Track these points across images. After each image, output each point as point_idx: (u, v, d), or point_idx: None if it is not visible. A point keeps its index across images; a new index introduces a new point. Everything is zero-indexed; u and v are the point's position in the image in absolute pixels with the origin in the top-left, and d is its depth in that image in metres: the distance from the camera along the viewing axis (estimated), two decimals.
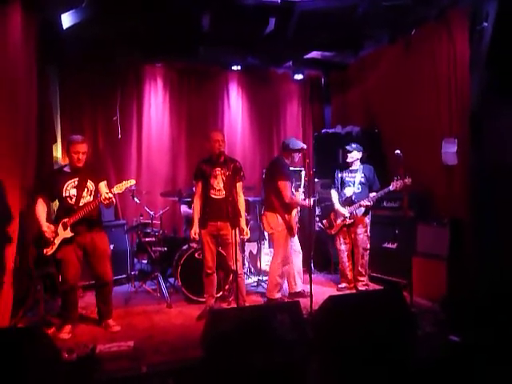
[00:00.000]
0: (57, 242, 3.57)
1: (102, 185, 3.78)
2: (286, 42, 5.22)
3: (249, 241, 5.49)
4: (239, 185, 4.06)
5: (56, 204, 3.87)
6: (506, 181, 3.87)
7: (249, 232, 4.10)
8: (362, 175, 4.79)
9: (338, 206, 4.81)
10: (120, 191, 3.62)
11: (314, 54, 5.99)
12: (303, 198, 4.49)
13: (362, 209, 4.72)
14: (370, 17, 4.67)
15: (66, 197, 3.63)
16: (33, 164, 4.21)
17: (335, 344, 2.96)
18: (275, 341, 2.74)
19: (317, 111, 7.00)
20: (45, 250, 3.57)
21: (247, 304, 4.04)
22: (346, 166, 4.91)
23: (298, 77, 6.42)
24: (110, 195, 3.52)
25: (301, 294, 4.55)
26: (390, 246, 4.96)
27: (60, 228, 3.58)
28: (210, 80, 6.39)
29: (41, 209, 3.63)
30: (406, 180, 4.27)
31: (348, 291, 4.81)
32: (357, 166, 4.85)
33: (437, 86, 4.77)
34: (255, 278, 5.28)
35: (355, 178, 4.79)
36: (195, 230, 4.01)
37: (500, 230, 3.90)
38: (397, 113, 5.45)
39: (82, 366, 2.83)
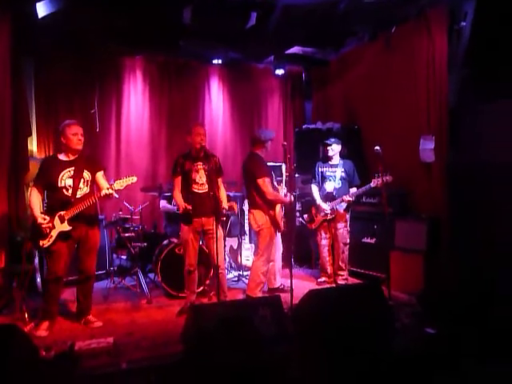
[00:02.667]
0: (54, 234, 3.47)
1: (100, 175, 3.70)
2: (268, 36, 5.21)
3: (229, 236, 5.50)
4: (220, 180, 4.06)
5: None
6: (482, 177, 3.97)
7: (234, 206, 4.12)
8: (343, 170, 4.82)
9: (319, 201, 4.84)
10: (121, 188, 3.53)
11: (296, 50, 5.99)
12: (285, 193, 4.48)
13: (344, 204, 4.76)
14: (351, 13, 4.70)
15: (61, 187, 3.51)
16: (7, 157, 4.10)
17: (316, 337, 3.00)
18: (256, 335, 2.75)
19: (298, 107, 7.03)
20: (41, 242, 3.47)
21: (228, 299, 4.04)
22: (326, 160, 4.93)
23: (280, 72, 6.42)
24: (111, 191, 3.46)
25: (280, 290, 4.56)
26: (369, 240, 5.03)
27: (56, 220, 3.48)
28: (191, 74, 6.33)
29: (35, 199, 3.52)
30: (388, 177, 4.31)
31: (328, 285, 4.86)
32: (337, 160, 4.89)
33: (415, 84, 4.85)
34: (236, 273, 5.29)
35: (336, 172, 4.82)
36: (185, 205, 3.87)
37: (476, 226, 4.01)
38: (376, 109, 5.51)
39: (61, 363, 2.78)
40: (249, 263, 5.54)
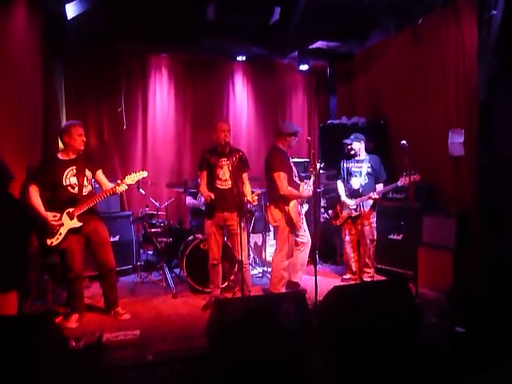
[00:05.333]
0: (63, 231, 3.54)
1: (100, 173, 3.79)
2: (291, 31, 5.18)
3: (254, 232, 5.51)
4: (245, 175, 4.05)
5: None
6: None
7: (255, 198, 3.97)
8: (369, 165, 4.72)
9: (344, 197, 4.77)
10: (132, 182, 3.63)
11: (320, 44, 5.94)
12: (308, 189, 4.40)
13: (370, 202, 4.67)
14: (376, 5, 4.62)
15: (66, 185, 3.58)
16: (39, 156, 4.23)
17: (339, 333, 2.98)
18: (280, 330, 2.76)
19: (322, 102, 6.95)
20: (49, 241, 3.51)
21: (252, 294, 4.06)
22: (350, 157, 4.85)
23: (304, 67, 6.35)
24: (124, 186, 3.55)
25: (297, 285, 4.40)
26: (395, 237, 4.94)
27: (65, 217, 3.55)
28: (215, 70, 6.36)
29: (36, 197, 3.50)
30: (415, 176, 4.20)
31: (353, 282, 4.80)
32: (363, 156, 4.79)
33: (444, 76, 4.72)
34: (260, 270, 5.30)
35: (362, 168, 4.72)
36: (209, 194, 3.91)
37: (506, 222, 3.87)
38: (403, 103, 5.40)
39: (89, 354, 2.86)
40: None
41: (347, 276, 4.95)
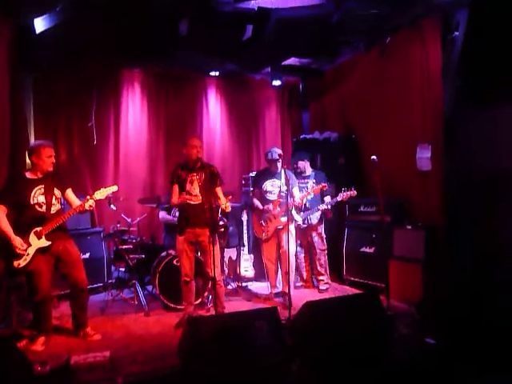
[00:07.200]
0: (30, 252, 3.43)
1: (70, 192, 3.71)
2: (264, 48, 5.25)
3: (228, 246, 5.48)
4: (219, 189, 4.03)
5: None
6: (478, 186, 3.97)
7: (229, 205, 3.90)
8: (314, 181, 4.97)
9: (292, 212, 4.82)
10: (102, 197, 3.56)
11: (292, 61, 6.04)
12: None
13: (317, 214, 4.97)
14: (345, 24, 4.74)
15: (34, 204, 3.48)
16: (5, 172, 4.11)
17: (313, 349, 2.98)
18: (252, 348, 2.73)
19: (295, 117, 7.05)
20: (16, 263, 3.38)
21: (226, 311, 4.02)
22: (298, 173, 5.10)
23: (276, 83, 6.45)
24: (92, 202, 3.48)
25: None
26: (367, 250, 5.02)
27: (32, 237, 3.45)
28: (188, 85, 6.38)
29: (3, 219, 3.39)
30: (352, 192, 4.62)
31: (306, 289, 5.17)
32: (308, 172, 5.10)
33: (410, 92, 4.88)
34: (234, 285, 5.26)
35: (308, 183, 4.96)
36: (183, 196, 3.90)
37: (473, 234, 3.99)
38: (373, 119, 5.54)
39: (56, 378, 2.76)
40: (248, 274, 5.52)
41: (299, 283, 5.27)
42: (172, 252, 4.56)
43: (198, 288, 4.26)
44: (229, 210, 3.90)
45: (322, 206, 4.86)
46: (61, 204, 3.69)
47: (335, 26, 4.72)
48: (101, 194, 3.55)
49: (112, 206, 4.72)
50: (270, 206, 4.64)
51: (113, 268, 5.30)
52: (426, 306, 3.93)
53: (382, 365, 3.03)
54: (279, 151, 4.58)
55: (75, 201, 3.68)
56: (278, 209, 4.60)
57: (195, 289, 4.14)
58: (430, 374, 2.91)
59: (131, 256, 4.71)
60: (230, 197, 4.14)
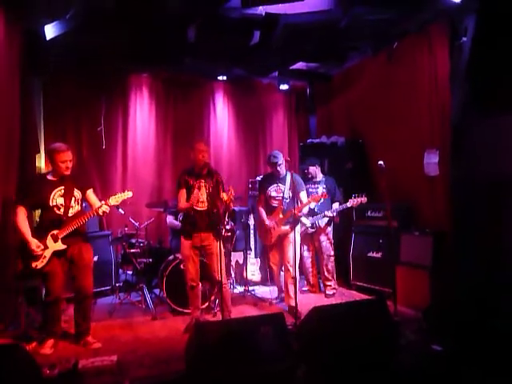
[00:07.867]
0: (47, 255, 3.44)
1: (90, 193, 3.71)
2: (272, 52, 5.28)
3: (235, 250, 5.50)
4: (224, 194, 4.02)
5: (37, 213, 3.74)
6: (485, 191, 3.95)
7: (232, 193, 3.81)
8: (324, 186, 5.01)
9: (303, 218, 4.84)
10: (116, 203, 3.57)
11: (299, 65, 6.06)
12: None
13: (325, 219, 4.97)
14: (353, 29, 4.74)
15: (53, 206, 3.50)
16: (15, 175, 4.17)
17: (319, 354, 2.98)
18: (258, 353, 2.74)
19: (302, 121, 7.06)
20: (33, 264, 3.42)
21: (233, 315, 4.03)
22: (309, 179, 5.12)
23: (284, 87, 6.48)
24: (107, 207, 3.48)
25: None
26: (374, 255, 5.01)
27: (49, 240, 3.46)
28: (196, 90, 6.42)
29: (23, 220, 3.45)
30: (363, 198, 4.62)
31: (312, 294, 5.16)
32: (319, 177, 5.12)
33: (418, 98, 4.87)
34: (241, 289, 5.27)
35: (318, 189, 4.99)
36: (191, 201, 3.89)
37: (480, 240, 3.97)
38: (380, 123, 5.53)
39: (64, 382, 2.79)
40: (254, 278, 5.54)
41: (306, 288, 5.29)
42: (179, 256, 4.58)
43: (204, 292, 4.28)
44: (232, 198, 3.77)
45: (329, 213, 4.88)
46: (81, 205, 3.69)
47: (343, 32, 4.73)
48: (115, 199, 3.56)
49: (120, 210, 4.75)
50: (272, 223, 4.52)
51: (120, 271, 5.36)
52: (433, 312, 3.91)
53: (388, 370, 3.02)
54: (279, 155, 4.53)
55: (95, 202, 3.66)
56: (281, 216, 4.51)
57: (202, 292, 4.16)
58: (437, 380, 2.90)
59: (139, 259, 4.75)
60: (231, 190, 3.91)
